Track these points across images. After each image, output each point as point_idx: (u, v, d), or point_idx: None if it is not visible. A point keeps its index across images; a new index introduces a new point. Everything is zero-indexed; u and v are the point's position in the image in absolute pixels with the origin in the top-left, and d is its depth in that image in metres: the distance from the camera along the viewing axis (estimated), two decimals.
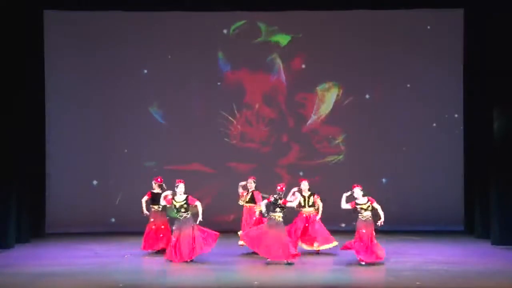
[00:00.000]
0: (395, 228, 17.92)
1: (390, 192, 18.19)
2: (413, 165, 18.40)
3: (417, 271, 13.13)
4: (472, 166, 17.57)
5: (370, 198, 13.87)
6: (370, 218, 13.81)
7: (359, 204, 13.80)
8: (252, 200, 15.07)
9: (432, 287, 12.04)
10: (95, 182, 18.28)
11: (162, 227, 15.12)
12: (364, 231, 13.70)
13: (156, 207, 15.14)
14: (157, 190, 15.18)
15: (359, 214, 13.81)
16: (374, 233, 13.81)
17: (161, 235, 15.07)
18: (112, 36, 18.31)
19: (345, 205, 13.92)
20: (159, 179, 15.28)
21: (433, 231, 17.85)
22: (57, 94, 18.14)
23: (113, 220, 18.18)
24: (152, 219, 15.19)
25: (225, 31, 18.52)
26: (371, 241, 13.70)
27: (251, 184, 15.13)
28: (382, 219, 13.80)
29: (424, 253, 15.16)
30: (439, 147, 18.39)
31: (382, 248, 13.90)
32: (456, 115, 18.33)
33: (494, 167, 16.12)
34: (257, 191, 15.06)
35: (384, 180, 18.40)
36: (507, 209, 15.87)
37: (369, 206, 13.79)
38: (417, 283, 12.17)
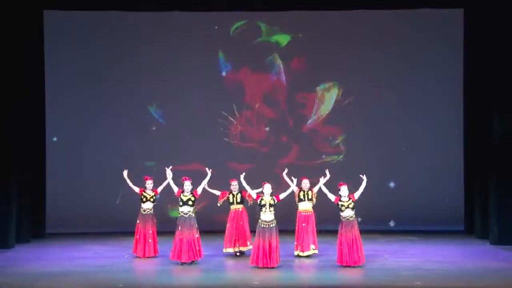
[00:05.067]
0: (395, 228, 17.97)
1: (390, 192, 18.20)
2: (413, 165, 18.40)
3: (416, 271, 13.14)
4: (472, 166, 17.57)
5: (350, 195, 13.73)
6: (351, 219, 13.66)
7: (342, 201, 13.70)
8: (242, 201, 14.98)
9: (432, 287, 12.05)
10: (95, 182, 18.28)
11: (150, 232, 14.86)
12: (344, 232, 13.55)
13: (143, 208, 14.99)
14: (148, 191, 15.00)
15: (340, 213, 13.66)
16: (358, 234, 13.62)
17: (150, 241, 14.86)
18: (112, 36, 18.33)
19: (330, 196, 13.86)
20: (148, 178, 15.15)
21: (433, 231, 17.85)
22: (57, 94, 18.16)
23: (113, 220, 18.17)
24: (138, 221, 14.97)
25: (225, 31, 18.53)
26: (353, 243, 13.53)
27: (236, 187, 14.97)
28: (364, 179, 13.76)
29: (423, 253, 15.17)
30: (439, 147, 18.40)
31: (363, 253, 13.68)
32: (456, 116, 18.33)
33: (494, 167, 16.12)
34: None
35: (383, 180, 18.39)
36: (507, 209, 15.87)
37: (350, 204, 13.69)
38: (417, 283, 12.17)
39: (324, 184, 14.41)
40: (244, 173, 14.41)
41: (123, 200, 17.86)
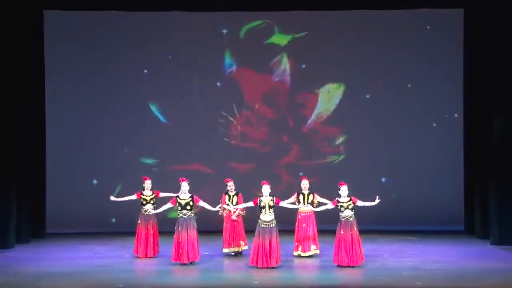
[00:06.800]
0: (395, 228, 17.97)
1: (390, 192, 18.20)
2: (413, 165, 18.41)
3: (416, 271, 13.14)
4: (472, 166, 17.57)
5: (353, 197, 13.68)
6: (351, 219, 13.62)
7: (340, 202, 13.65)
8: (238, 203, 14.84)
9: (432, 287, 12.05)
10: (95, 182, 18.30)
11: (152, 232, 14.87)
12: (342, 232, 13.56)
13: (144, 209, 14.99)
14: (146, 191, 14.99)
15: (340, 213, 13.62)
16: (357, 234, 13.57)
17: (151, 240, 14.85)
18: (112, 36, 18.34)
19: (329, 206, 13.86)
20: (146, 178, 15.14)
21: (433, 231, 17.85)
22: (57, 93, 18.17)
23: (113, 220, 18.19)
24: (139, 222, 14.96)
25: (224, 31, 18.54)
26: (353, 243, 13.52)
27: (232, 187, 14.93)
28: (377, 201, 13.64)
29: (423, 253, 15.17)
30: (439, 147, 18.40)
31: (362, 253, 13.64)
32: (456, 115, 18.33)
33: (494, 167, 16.12)
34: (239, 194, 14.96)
35: (384, 180, 18.41)
36: (507, 209, 15.86)
37: (350, 204, 13.62)
38: (417, 283, 12.18)
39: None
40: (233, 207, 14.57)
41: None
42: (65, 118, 18.25)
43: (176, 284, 12.64)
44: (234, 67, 18.59)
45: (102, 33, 18.32)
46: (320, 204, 14.57)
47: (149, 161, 18.45)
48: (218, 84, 18.55)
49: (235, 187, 14.94)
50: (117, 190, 17.97)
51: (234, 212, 14.66)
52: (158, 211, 14.51)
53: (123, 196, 15.20)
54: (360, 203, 13.71)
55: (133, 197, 15.02)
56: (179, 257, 13.82)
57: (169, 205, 14.17)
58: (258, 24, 18.53)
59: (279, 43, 18.57)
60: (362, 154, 18.43)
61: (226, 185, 14.97)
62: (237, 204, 14.74)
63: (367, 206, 13.80)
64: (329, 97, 18.62)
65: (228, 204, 14.70)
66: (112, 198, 15.04)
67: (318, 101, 18.61)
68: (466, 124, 18.06)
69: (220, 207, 14.56)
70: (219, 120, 18.58)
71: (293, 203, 14.60)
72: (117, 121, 18.40)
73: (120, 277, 12.79)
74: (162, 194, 14.96)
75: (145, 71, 18.43)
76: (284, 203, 14.04)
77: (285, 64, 18.60)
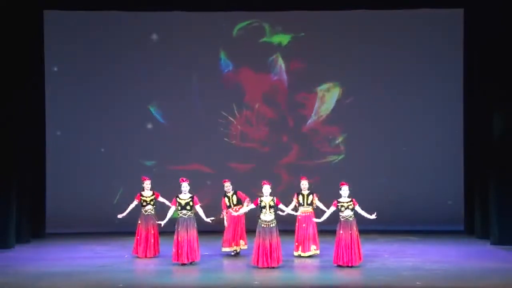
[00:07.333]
0: (395, 228, 17.96)
1: (390, 192, 18.21)
2: (413, 165, 18.41)
3: (416, 271, 13.14)
4: (472, 166, 17.57)
5: (354, 200, 13.64)
6: (351, 219, 13.60)
7: (341, 202, 13.62)
8: (239, 202, 14.91)
9: (432, 287, 12.05)
10: (95, 182, 18.29)
11: (152, 232, 14.89)
12: (341, 232, 13.54)
13: (144, 209, 15.00)
14: (146, 191, 15.00)
15: (340, 213, 13.61)
16: (357, 234, 13.56)
17: (152, 240, 14.87)
18: (112, 36, 18.33)
19: (331, 210, 13.79)
20: (146, 178, 15.14)
21: (433, 231, 17.85)
22: (57, 93, 18.17)
23: (115, 221, 18.11)
24: (139, 222, 14.98)
25: (225, 30, 18.54)
26: (352, 243, 13.48)
27: (229, 187, 14.93)
28: (373, 216, 13.63)
29: (423, 253, 15.17)
30: (439, 147, 18.40)
31: (360, 253, 13.61)
32: (456, 115, 18.33)
33: (494, 167, 16.12)
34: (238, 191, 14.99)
35: (384, 180, 18.40)
36: (507, 209, 15.86)
37: (350, 204, 13.56)
38: (417, 283, 12.18)
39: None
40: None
41: (124, 199, 17.84)
42: (65, 118, 18.25)
43: (176, 284, 12.65)
44: (231, 67, 18.58)
45: (102, 33, 18.33)
46: (319, 209, 14.59)
47: (149, 161, 18.44)
48: (219, 83, 18.55)
49: (233, 187, 14.94)
50: (118, 195, 18.01)
51: (236, 210, 14.68)
52: (165, 221, 14.21)
53: (126, 207, 15.05)
54: (358, 208, 13.69)
55: (135, 202, 15.00)
56: (179, 257, 13.83)
57: (172, 208, 14.14)
58: (248, 23, 18.50)
59: (280, 42, 18.57)
60: (362, 154, 18.43)
61: (224, 186, 14.96)
62: (238, 200, 14.79)
63: (363, 216, 13.75)
64: (328, 97, 18.63)
65: (227, 212, 14.75)
66: (120, 215, 14.98)
67: (318, 101, 18.63)
68: (466, 124, 18.06)
69: (211, 220, 14.42)
70: (219, 120, 18.58)
71: (294, 208, 14.57)
72: (117, 121, 18.40)
73: (120, 277, 12.80)
74: (161, 199, 14.95)
75: (145, 70, 18.35)
76: (287, 209, 14.05)
77: (281, 63, 18.60)
